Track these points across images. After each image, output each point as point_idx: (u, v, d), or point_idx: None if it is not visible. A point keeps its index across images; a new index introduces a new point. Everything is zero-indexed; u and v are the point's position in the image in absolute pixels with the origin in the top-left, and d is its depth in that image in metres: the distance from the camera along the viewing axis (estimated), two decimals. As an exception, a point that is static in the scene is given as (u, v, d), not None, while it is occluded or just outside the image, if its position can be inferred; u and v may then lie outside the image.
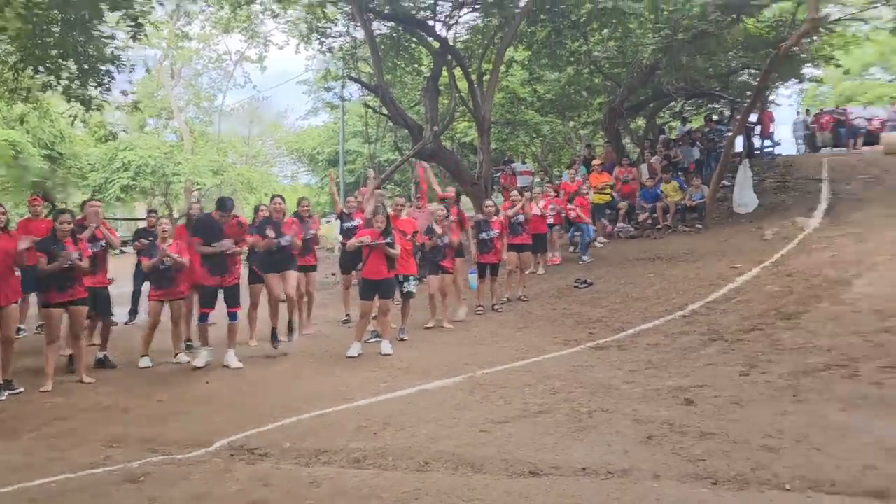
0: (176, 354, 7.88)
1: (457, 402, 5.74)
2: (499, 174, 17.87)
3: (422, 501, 3.83)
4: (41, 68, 10.12)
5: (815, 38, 13.63)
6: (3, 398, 6.32)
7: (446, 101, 17.48)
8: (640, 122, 21.14)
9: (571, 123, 23.68)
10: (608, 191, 14.32)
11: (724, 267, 10.20)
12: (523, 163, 17.61)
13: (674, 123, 21.82)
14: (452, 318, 9.61)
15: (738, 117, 15.27)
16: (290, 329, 8.38)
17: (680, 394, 5.57)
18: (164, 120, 36.83)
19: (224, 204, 7.55)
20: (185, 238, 8.35)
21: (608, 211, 14.67)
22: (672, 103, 19.91)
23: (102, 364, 7.60)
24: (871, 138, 19.31)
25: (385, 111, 16.23)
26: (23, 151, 26.54)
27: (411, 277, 8.79)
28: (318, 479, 4.20)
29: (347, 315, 9.96)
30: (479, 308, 10.14)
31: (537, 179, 18.96)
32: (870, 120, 20.22)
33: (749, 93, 15.33)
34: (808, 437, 4.50)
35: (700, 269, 10.52)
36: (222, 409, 5.88)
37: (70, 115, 11.72)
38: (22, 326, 8.85)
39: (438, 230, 9.14)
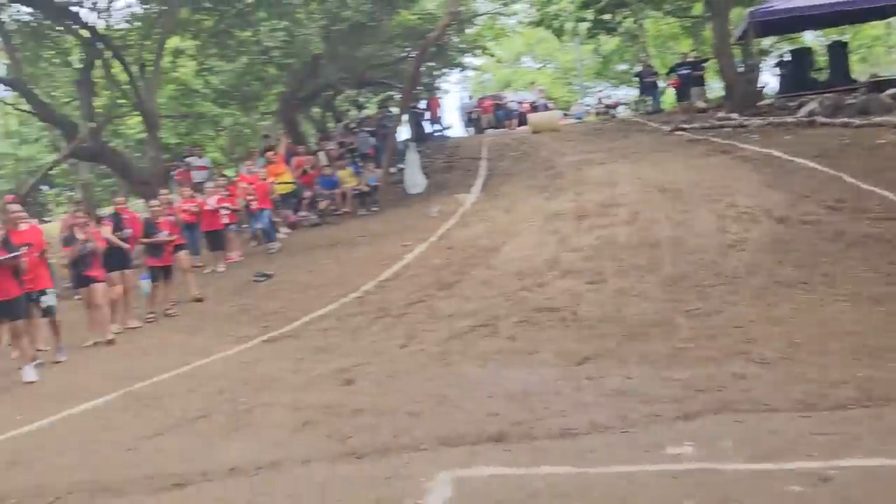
0: None
1: (105, 422, 5.29)
2: (174, 171, 16.85)
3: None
4: None
5: (461, 29, 14.86)
6: None
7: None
8: (318, 110, 21.41)
9: (256, 116, 23.22)
10: (289, 180, 14.23)
11: (396, 246, 10.71)
12: (200, 157, 16.77)
13: (353, 112, 22.47)
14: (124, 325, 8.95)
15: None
16: None
17: (342, 375, 5.71)
18: None
19: None
20: None
21: (293, 200, 14.60)
22: (348, 91, 20.44)
23: None
24: (524, 119, 21.78)
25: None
26: None
27: (48, 290, 7.86)
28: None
29: None
30: (151, 315, 9.48)
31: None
32: (521, 103, 22.76)
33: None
34: (447, 397, 4.88)
35: (375, 250, 10.93)
36: None
37: None
38: None
39: (81, 236, 8.28)
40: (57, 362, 7.70)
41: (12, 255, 6.88)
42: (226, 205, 12.08)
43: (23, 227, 7.85)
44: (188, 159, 17.20)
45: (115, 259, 8.98)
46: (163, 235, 9.53)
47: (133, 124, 20.04)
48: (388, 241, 11.25)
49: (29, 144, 21.57)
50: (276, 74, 18.69)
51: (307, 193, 14.55)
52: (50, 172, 17.28)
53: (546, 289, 7.36)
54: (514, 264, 8.39)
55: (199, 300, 10.04)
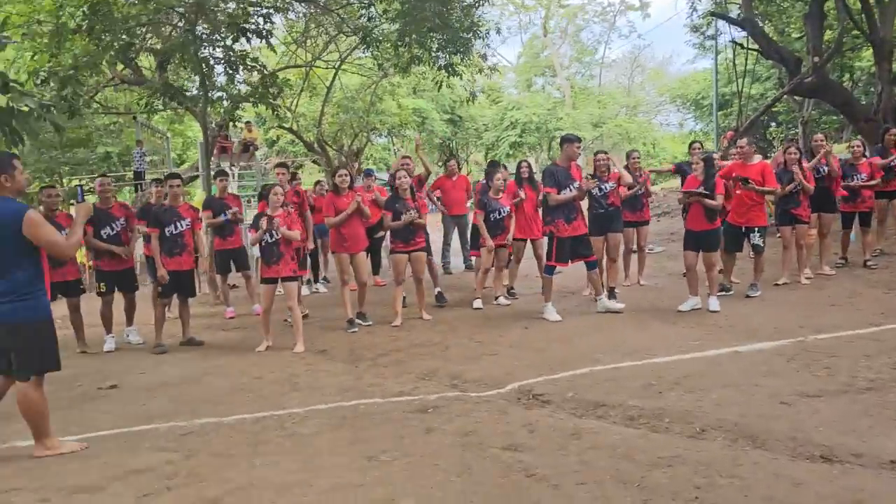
0: (496, 297, 8.55)
1: (769, 368, 5.12)
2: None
3: (675, 469, 3.54)
4: (414, 43, 11.41)
5: None
6: (355, 330, 7.49)
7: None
8: None
9: None
10: None
11: None
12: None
13: None
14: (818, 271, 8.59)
15: None
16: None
17: None
18: (548, 77, 38.50)
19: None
20: None
21: None
22: None
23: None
24: None
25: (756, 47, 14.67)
26: (428, 117, 30.28)
27: (757, 229, 7.94)
28: (580, 432, 4.15)
29: None
30: (841, 262, 8.77)
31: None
32: None
33: None
34: None
35: None
36: (528, 353, 6.13)
37: (437, 82, 13.04)
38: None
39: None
40: (748, 297, 7.86)
41: (697, 191, 7.21)
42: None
43: (755, 160, 8.13)
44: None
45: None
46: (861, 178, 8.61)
47: (866, 56, 18.48)
48: None
49: (760, 83, 22.23)
50: None
51: None
52: (774, 110, 17.43)
53: None
54: None
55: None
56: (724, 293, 7.79)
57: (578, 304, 8.30)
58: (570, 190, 7.38)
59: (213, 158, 16.99)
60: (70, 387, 5.85)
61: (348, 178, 7.79)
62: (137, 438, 4.50)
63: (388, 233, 8.19)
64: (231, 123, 14.30)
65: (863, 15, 14.17)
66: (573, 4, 37.51)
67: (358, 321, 7.76)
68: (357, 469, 3.77)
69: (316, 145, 22.55)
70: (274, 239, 6.97)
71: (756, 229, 7.91)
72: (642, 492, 3.31)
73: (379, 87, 21.74)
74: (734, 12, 15.94)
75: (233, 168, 16.75)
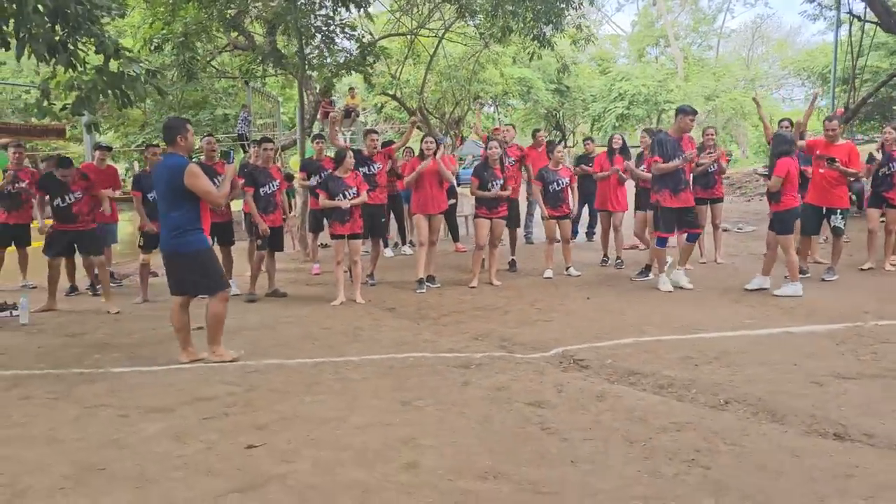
0: (567, 268, 8.80)
1: (814, 349, 5.13)
2: None
3: (683, 434, 3.72)
4: (507, 13, 11.55)
5: None
6: (423, 290, 7.90)
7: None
8: None
9: None
10: None
11: None
12: None
13: None
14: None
15: None
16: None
17: None
18: (661, 48, 37.32)
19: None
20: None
21: None
22: None
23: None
24: None
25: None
26: (533, 87, 30.17)
27: (839, 211, 7.73)
28: (605, 395, 4.37)
29: None
30: None
31: None
32: None
33: None
34: None
35: None
36: (580, 322, 6.34)
37: (528, 52, 13.12)
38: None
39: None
40: (823, 280, 7.71)
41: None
42: None
43: (840, 141, 7.93)
44: None
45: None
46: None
47: None
48: None
49: (891, 55, 20.85)
50: None
51: None
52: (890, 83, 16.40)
53: None
54: None
55: None
56: (801, 275, 7.66)
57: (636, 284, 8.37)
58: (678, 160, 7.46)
59: (317, 122, 17.83)
60: (164, 325, 6.57)
61: (433, 144, 8.14)
62: (210, 372, 5.08)
63: (468, 200, 8.55)
64: (333, 88, 14.91)
65: None
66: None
67: (427, 283, 8.16)
68: (390, 411, 4.17)
69: (418, 112, 23.04)
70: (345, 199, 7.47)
71: (838, 211, 7.70)
72: (643, 450, 3.53)
73: (482, 56, 21.90)
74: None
75: (343, 132, 17.49)
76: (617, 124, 33.37)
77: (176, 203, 5.12)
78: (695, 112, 7.80)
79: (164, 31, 10.16)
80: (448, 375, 4.88)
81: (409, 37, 19.41)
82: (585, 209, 11.39)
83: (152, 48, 10.02)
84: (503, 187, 8.04)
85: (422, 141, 8.48)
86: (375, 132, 9.29)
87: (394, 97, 22.95)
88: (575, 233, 11.44)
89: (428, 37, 20.39)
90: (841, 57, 29.88)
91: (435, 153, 8.06)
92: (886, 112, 21.38)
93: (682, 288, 7.58)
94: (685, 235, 7.76)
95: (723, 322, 6.04)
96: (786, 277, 7.27)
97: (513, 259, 9.24)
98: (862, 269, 8.13)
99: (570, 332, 5.98)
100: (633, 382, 4.67)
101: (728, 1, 38.18)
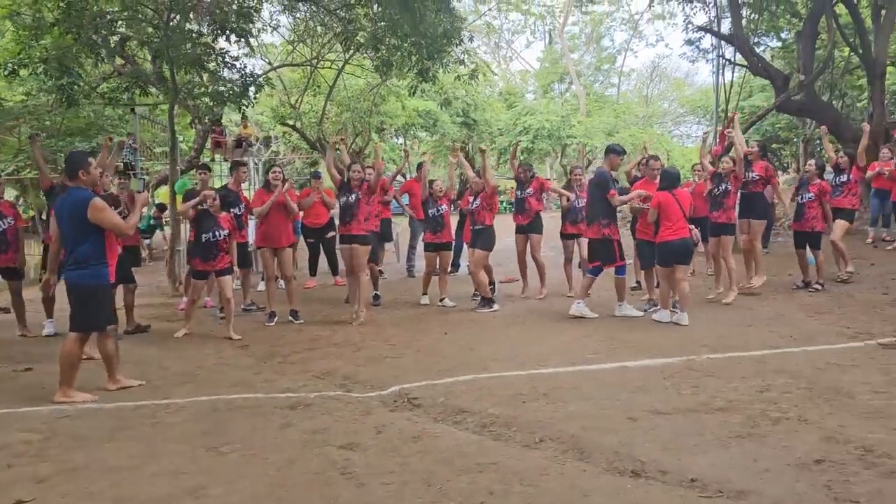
0: (441, 299, 8.80)
1: (643, 384, 5.19)
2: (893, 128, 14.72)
3: (484, 475, 3.64)
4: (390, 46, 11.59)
5: None
6: (272, 324, 7.71)
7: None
8: None
9: None
10: None
11: None
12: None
13: None
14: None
15: None
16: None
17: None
18: (566, 84, 38.43)
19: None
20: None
21: None
22: None
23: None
24: None
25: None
26: (438, 120, 30.42)
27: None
28: (422, 436, 4.29)
29: None
30: (801, 284, 8.82)
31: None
32: None
33: None
34: None
35: None
36: (430, 357, 6.27)
37: (412, 87, 13.22)
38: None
39: None
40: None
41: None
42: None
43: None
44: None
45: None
46: (808, 197, 8.66)
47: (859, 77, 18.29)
48: None
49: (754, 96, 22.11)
50: None
51: None
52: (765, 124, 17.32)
53: None
54: None
55: (845, 280, 8.81)
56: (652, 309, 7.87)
57: (515, 311, 8.41)
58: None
59: (207, 151, 17.41)
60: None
61: (280, 175, 8.02)
62: (14, 419, 4.73)
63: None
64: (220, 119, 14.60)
65: (857, 33, 14.07)
66: (597, 11, 37.30)
67: (290, 318, 7.96)
68: (190, 458, 3.95)
69: (318, 143, 22.81)
70: (215, 238, 7.28)
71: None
72: (437, 494, 3.44)
73: (383, 88, 21.94)
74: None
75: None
76: (522, 158, 34.04)
77: (82, 236, 5.11)
78: (624, 152, 8.16)
79: (21, 56, 9.70)
80: (271, 418, 4.70)
81: (308, 67, 19.30)
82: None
83: (6, 73, 9.53)
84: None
85: (268, 172, 8.42)
86: (244, 164, 9.08)
87: (293, 127, 22.63)
88: (457, 266, 11.54)
89: (327, 68, 20.33)
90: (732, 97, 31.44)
91: (283, 184, 7.98)
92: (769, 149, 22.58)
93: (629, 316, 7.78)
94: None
95: (567, 357, 6.08)
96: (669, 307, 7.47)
97: (375, 293, 9.23)
98: (709, 299, 8.41)
99: (414, 369, 5.90)
100: (458, 421, 4.60)
101: (629, 41, 39.85)
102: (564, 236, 9.47)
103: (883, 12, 13.65)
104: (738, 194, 8.52)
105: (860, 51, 14.05)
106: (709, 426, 4.27)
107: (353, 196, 7.81)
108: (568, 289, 9.26)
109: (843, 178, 9.10)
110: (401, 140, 35.94)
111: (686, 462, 3.76)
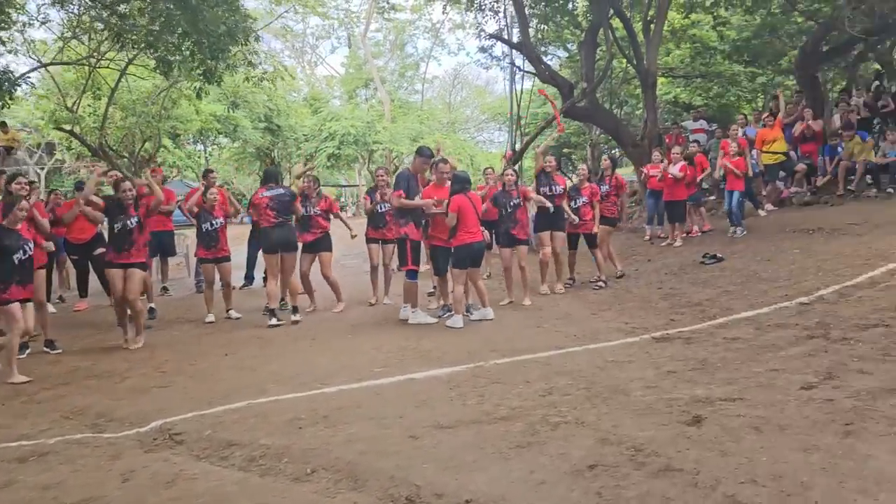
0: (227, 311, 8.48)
1: (429, 396, 4.98)
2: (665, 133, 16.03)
3: (241, 522, 3.23)
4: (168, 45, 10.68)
5: None
6: (23, 356, 6.69)
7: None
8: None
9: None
10: (781, 150, 12.09)
11: (893, 242, 8.13)
12: (695, 120, 15.55)
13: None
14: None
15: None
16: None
17: (692, 409, 4.32)
18: (371, 90, 38.36)
19: None
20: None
21: (782, 173, 12.47)
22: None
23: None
24: None
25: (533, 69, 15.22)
26: (239, 125, 29.07)
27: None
28: (178, 479, 3.76)
29: None
30: (570, 281, 9.18)
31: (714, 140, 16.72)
32: None
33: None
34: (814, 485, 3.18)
35: (863, 244, 8.48)
36: (202, 384, 5.69)
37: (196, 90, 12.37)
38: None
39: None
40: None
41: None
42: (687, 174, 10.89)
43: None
44: (684, 123, 16.22)
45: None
46: (581, 201, 9.14)
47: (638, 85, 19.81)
48: (883, 235, 8.64)
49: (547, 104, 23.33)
50: (801, 26, 16.16)
51: (800, 165, 12.20)
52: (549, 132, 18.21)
53: None
54: None
55: (620, 276, 9.37)
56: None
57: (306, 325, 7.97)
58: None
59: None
60: None
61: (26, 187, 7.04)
62: None
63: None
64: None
65: (631, 45, 15.07)
66: (400, 19, 37.59)
67: (46, 349, 6.97)
68: None
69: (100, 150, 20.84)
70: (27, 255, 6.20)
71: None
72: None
73: (174, 91, 20.49)
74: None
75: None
76: (329, 164, 33.53)
77: None
78: (431, 155, 8.16)
79: None
80: (-8, 474, 3.93)
81: (87, 67, 17.52)
82: None
83: None
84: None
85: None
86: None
87: (71, 133, 20.47)
88: (251, 278, 10.88)
89: (107, 68, 18.59)
90: (534, 103, 33.01)
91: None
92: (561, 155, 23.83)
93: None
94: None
95: (354, 373, 5.74)
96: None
97: (151, 307, 8.50)
98: (502, 305, 8.47)
99: (183, 399, 5.29)
100: (225, 457, 4.10)
101: (431, 48, 40.57)
102: (369, 240, 9.15)
103: (652, 26, 14.75)
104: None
105: (634, 62, 15.08)
106: (490, 438, 4.11)
107: (133, 220, 7.09)
108: (371, 296, 9.02)
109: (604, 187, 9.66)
110: (199, 147, 34.10)
111: (463, 481, 3.55)
